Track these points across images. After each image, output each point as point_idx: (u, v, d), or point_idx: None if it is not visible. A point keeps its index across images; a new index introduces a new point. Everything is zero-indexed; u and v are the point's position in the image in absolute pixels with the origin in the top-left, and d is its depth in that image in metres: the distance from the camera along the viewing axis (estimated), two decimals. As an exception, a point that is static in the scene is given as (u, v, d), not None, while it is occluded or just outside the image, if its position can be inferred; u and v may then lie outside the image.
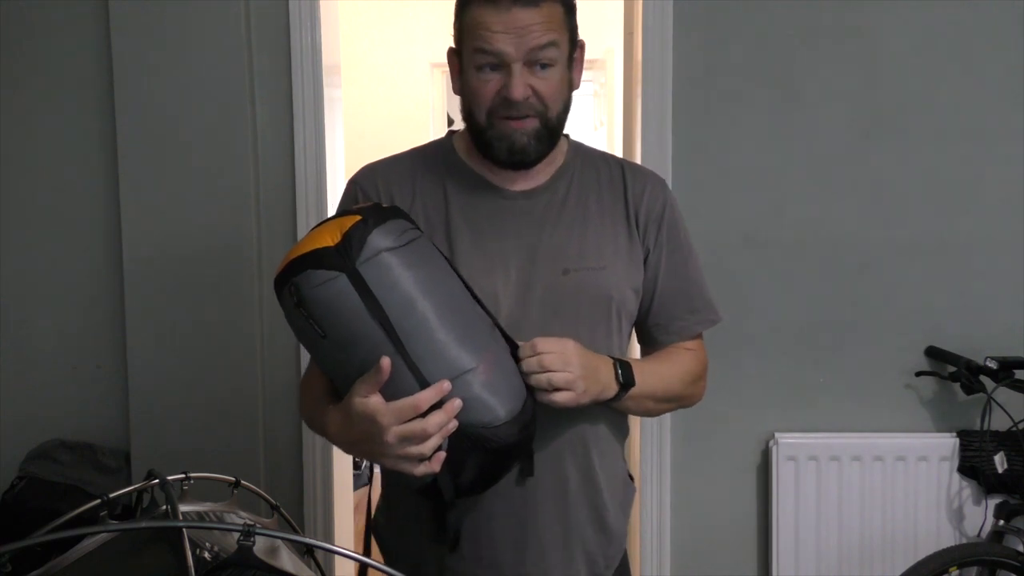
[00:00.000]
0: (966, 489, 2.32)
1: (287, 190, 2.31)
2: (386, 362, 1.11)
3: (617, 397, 1.32)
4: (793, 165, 2.32)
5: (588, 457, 1.39)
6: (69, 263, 2.35)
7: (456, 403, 1.13)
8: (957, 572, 2.08)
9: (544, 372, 1.22)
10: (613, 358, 1.33)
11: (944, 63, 2.30)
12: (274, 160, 2.31)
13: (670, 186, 2.24)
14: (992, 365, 2.20)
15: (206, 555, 1.20)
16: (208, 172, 2.27)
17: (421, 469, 1.15)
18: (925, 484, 2.31)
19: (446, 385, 1.13)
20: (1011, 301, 2.33)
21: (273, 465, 2.34)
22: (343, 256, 1.12)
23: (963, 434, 2.32)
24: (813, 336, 2.34)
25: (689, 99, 2.30)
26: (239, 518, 1.37)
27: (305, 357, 1.59)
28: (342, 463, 2.50)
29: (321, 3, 2.28)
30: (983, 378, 2.20)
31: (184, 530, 1.05)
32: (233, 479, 1.41)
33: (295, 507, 2.35)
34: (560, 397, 1.24)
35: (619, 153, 2.72)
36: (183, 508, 1.32)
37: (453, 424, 1.14)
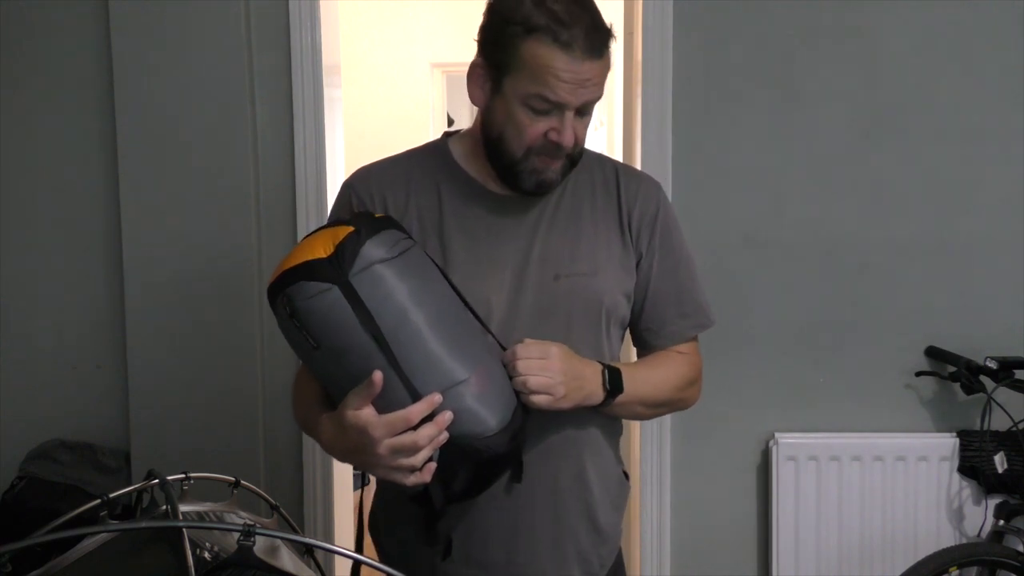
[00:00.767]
0: (966, 489, 2.32)
1: (287, 190, 2.31)
2: (378, 376, 1.11)
3: (604, 403, 1.33)
4: (793, 165, 2.32)
5: (579, 457, 1.39)
6: (69, 263, 2.35)
7: (447, 416, 1.14)
8: (957, 572, 2.07)
9: (522, 376, 1.23)
10: (603, 364, 1.33)
11: (944, 63, 2.30)
12: (274, 160, 2.31)
13: (670, 186, 2.28)
14: (992, 365, 2.19)
15: (206, 555, 1.20)
16: (208, 172, 2.27)
17: (412, 480, 1.16)
18: (925, 484, 2.31)
19: (437, 398, 1.14)
20: (1011, 301, 2.32)
21: (273, 465, 2.34)
22: (336, 268, 1.12)
23: (963, 434, 2.32)
24: (813, 336, 2.34)
25: (689, 99, 2.30)
26: (239, 518, 1.37)
27: (305, 357, 1.59)
28: (342, 463, 2.50)
29: (321, 3, 2.28)
30: (983, 378, 2.20)
31: (184, 530, 1.05)
32: (233, 479, 1.41)
33: (295, 507, 2.34)
34: (537, 400, 1.24)
35: (619, 153, 2.73)
36: (183, 508, 1.32)
37: (444, 436, 1.15)
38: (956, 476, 2.32)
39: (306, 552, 1.39)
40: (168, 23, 2.23)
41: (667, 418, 2.33)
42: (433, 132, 4.72)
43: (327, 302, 1.12)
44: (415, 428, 1.13)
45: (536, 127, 1.28)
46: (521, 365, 1.23)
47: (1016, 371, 2.19)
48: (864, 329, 2.34)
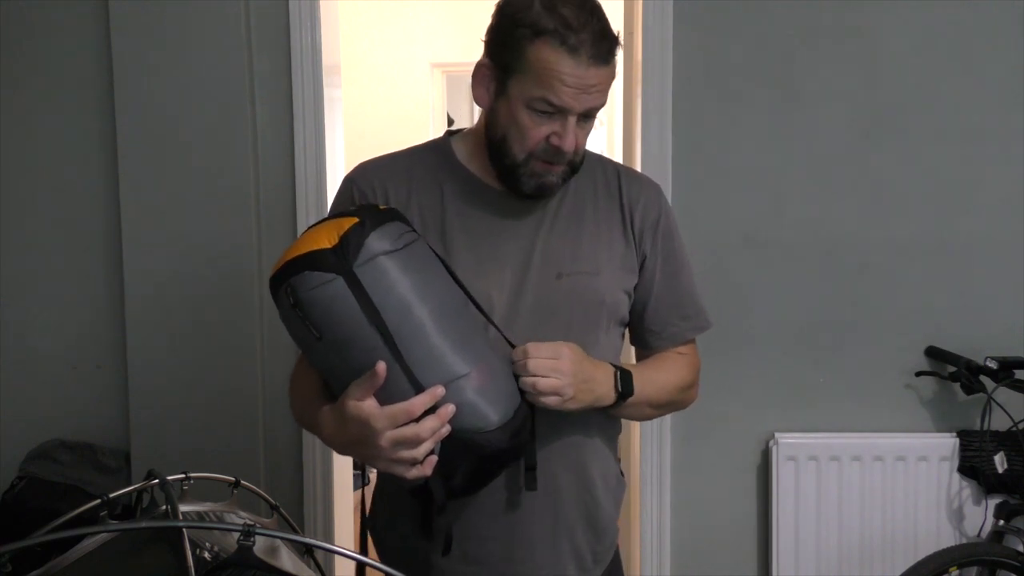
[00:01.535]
0: (966, 489, 2.32)
1: (287, 190, 2.31)
2: (381, 367, 1.11)
3: (615, 405, 1.33)
4: (793, 165, 2.32)
5: (579, 456, 1.39)
6: (69, 263, 2.35)
7: (449, 408, 1.14)
8: (957, 572, 2.07)
9: (531, 376, 1.23)
10: (615, 366, 1.33)
11: (944, 63, 2.30)
12: (274, 160, 2.31)
13: (670, 186, 2.28)
14: (992, 365, 2.19)
15: (206, 555, 1.20)
16: (208, 172, 2.27)
17: (413, 473, 1.16)
18: (925, 484, 2.31)
19: (440, 390, 1.13)
20: (1011, 301, 2.32)
21: (273, 465, 2.34)
22: (340, 258, 1.12)
23: (963, 434, 2.32)
24: (813, 336, 2.34)
25: (689, 99, 2.30)
26: (239, 518, 1.37)
27: (305, 357, 1.59)
28: (342, 463, 2.50)
29: (321, 3, 2.28)
30: (983, 378, 2.20)
31: (184, 530, 1.05)
32: (233, 479, 1.42)
33: (295, 507, 2.34)
34: (546, 401, 1.24)
35: (619, 153, 2.73)
36: (183, 508, 1.32)
37: (446, 429, 1.15)
38: (956, 476, 2.32)
39: (306, 552, 1.40)
40: (168, 23, 2.23)
41: (667, 418, 2.33)
42: (433, 132, 4.71)
43: (330, 293, 1.12)
44: (417, 420, 1.13)
45: (539, 130, 1.28)
46: (532, 365, 1.23)
47: (1016, 371, 2.19)
48: (864, 329, 2.34)
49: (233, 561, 1.04)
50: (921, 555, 2.10)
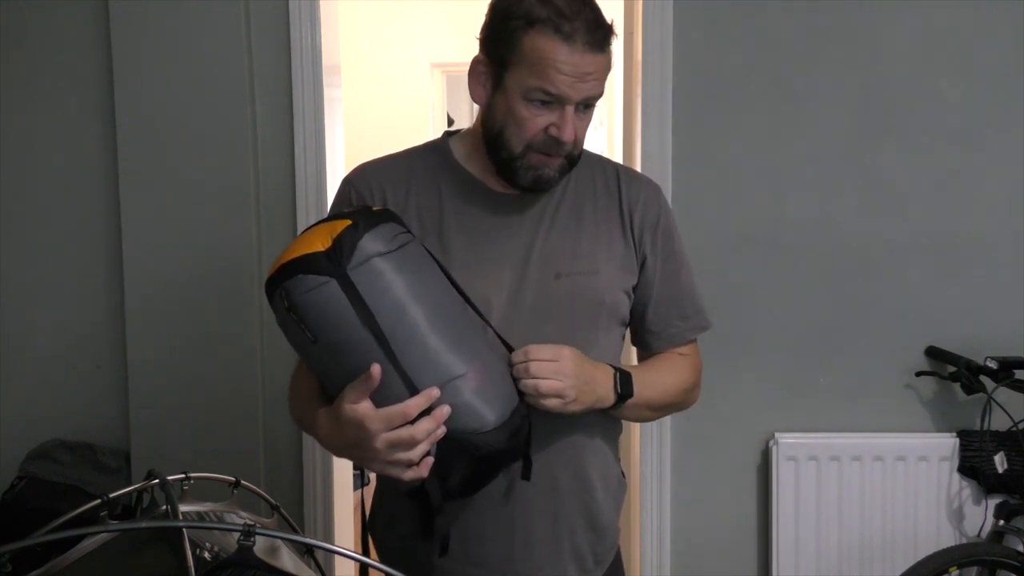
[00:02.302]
0: (966, 489, 2.32)
1: (287, 190, 2.31)
2: (376, 369, 1.11)
3: (615, 406, 1.33)
4: (793, 165, 2.32)
5: (579, 456, 1.39)
6: (69, 263, 2.35)
7: (445, 410, 1.14)
8: (957, 572, 2.07)
9: (533, 379, 1.23)
10: (615, 367, 1.33)
11: (944, 63, 2.30)
12: (274, 160, 2.31)
13: (670, 186, 2.28)
14: (992, 365, 2.19)
15: (206, 555, 1.20)
16: (208, 172, 2.27)
17: (409, 474, 1.15)
18: (925, 484, 2.31)
19: (435, 392, 1.13)
20: (1011, 301, 2.32)
21: (273, 465, 2.34)
22: (333, 261, 1.12)
23: (963, 434, 2.32)
24: (813, 336, 2.34)
25: (689, 99, 2.30)
26: (239, 518, 1.37)
27: (305, 357, 1.58)
28: (342, 463, 2.50)
29: (321, 3, 2.28)
30: (983, 378, 2.20)
31: (184, 530, 1.05)
32: (233, 479, 1.42)
33: (295, 507, 2.34)
34: (547, 403, 1.24)
35: (619, 153, 2.73)
36: (183, 508, 1.32)
37: (441, 430, 1.14)
38: (956, 476, 2.32)
39: (306, 552, 1.40)
40: (168, 23, 2.23)
41: (667, 418, 2.33)
42: (433, 132, 4.72)
43: (325, 295, 1.12)
44: (413, 422, 1.13)
45: (536, 121, 1.28)
46: (533, 367, 1.23)
47: (1016, 371, 2.19)
48: (864, 329, 2.34)
49: (233, 561, 1.04)
50: (921, 555, 2.10)
